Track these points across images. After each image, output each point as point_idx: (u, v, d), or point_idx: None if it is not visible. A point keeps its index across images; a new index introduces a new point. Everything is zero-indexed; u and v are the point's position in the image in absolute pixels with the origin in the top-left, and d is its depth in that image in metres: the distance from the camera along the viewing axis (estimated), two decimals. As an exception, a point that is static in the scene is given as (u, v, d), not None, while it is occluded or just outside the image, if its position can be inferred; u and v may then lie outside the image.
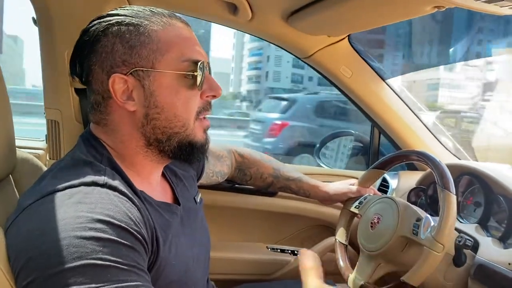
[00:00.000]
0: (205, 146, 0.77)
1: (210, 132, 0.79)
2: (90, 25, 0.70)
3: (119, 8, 0.72)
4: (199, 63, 0.70)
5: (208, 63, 0.75)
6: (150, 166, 0.75)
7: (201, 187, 1.14)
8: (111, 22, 0.68)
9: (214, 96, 0.76)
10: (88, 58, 0.69)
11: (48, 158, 1.35)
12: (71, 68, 0.73)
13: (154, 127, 0.70)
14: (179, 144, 0.73)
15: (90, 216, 0.57)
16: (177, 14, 0.74)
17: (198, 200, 0.91)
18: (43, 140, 1.42)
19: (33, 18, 1.18)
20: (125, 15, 0.69)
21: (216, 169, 1.13)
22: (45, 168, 1.01)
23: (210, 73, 0.77)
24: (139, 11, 0.71)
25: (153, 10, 0.72)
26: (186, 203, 0.84)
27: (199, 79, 0.70)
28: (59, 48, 1.18)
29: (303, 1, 1.15)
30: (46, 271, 0.54)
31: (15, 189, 0.93)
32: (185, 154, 0.74)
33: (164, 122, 0.70)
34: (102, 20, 0.69)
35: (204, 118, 0.76)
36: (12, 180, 0.93)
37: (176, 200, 0.82)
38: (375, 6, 1.02)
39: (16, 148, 0.93)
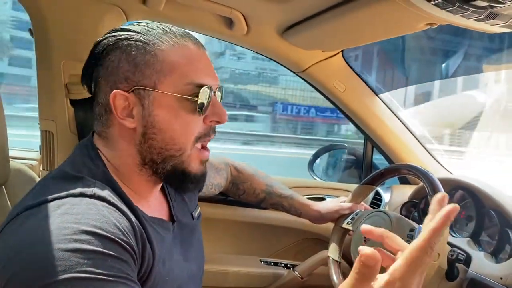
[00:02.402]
0: (200, 178, 0.75)
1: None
2: (103, 37, 0.70)
3: (135, 23, 0.72)
4: (203, 88, 0.69)
5: (221, 87, 0.75)
6: (145, 185, 0.74)
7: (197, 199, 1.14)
8: (121, 36, 0.68)
9: (218, 122, 0.74)
10: (97, 70, 0.69)
11: (41, 169, 1.34)
12: (82, 78, 0.73)
13: (150, 147, 0.69)
14: (172, 169, 0.71)
15: (76, 227, 0.56)
16: (191, 34, 0.73)
17: (196, 215, 0.89)
18: (37, 151, 1.41)
19: (29, 30, 1.19)
20: (137, 32, 0.69)
21: (215, 181, 1.12)
22: (38, 179, 1.01)
23: (221, 97, 0.76)
24: (151, 28, 0.70)
25: (166, 29, 0.70)
26: (182, 219, 0.83)
27: (200, 103, 0.69)
28: (55, 59, 1.18)
29: (298, 17, 1.17)
30: (32, 285, 0.53)
31: (8, 200, 0.93)
32: (178, 181, 0.73)
33: (160, 143, 0.69)
34: (114, 34, 0.69)
35: (204, 148, 0.74)
36: (5, 191, 0.93)
37: (171, 216, 0.82)
38: (368, 22, 1.04)
39: (10, 159, 0.92)
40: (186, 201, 0.88)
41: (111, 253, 0.57)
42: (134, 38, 0.68)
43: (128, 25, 0.72)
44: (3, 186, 0.93)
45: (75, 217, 0.58)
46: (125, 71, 0.67)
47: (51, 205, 0.60)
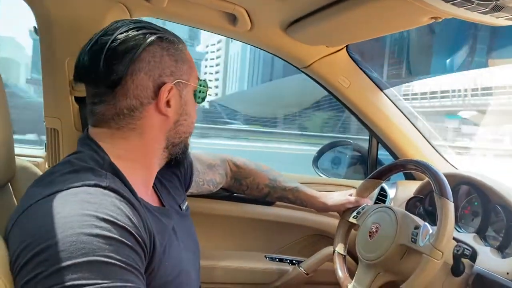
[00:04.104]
0: None
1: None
2: (131, 33, 0.72)
3: (143, 21, 0.77)
4: (204, 81, 0.85)
5: None
6: (155, 170, 0.82)
7: (195, 196, 1.15)
8: (156, 35, 0.74)
9: None
10: (130, 63, 0.71)
11: (47, 166, 1.35)
12: (96, 71, 0.71)
13: (177, 132, 0.80)
14: (184, 146, 0.84)
15: (96, 215, 0.59)
16: None
17: (184, 208, 0.93)
18: (43, 148, 1.42)
19: (34, 27, 1.19)
20: (163, 31, 0.76)
21: (207, 177, 1.13)
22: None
23: None
24: (167, 29, 0.79)
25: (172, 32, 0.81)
26: (173, 208, 0.87)
27: (206, 94, 0.85)
28: (60, 56, 1.19)
29: (302, 12, 1.17)
30: (53, 266, 0.54)
31: (14, 197, 0.93)
32: (183, 155, 0.85)
33: (185, 128, 0.81)
34: (145, 31, 0.73)
35: None
36: (11, 188, 0.93)
37: (162, 205, 0.85)
38: (373, 17, 1.04)
39: (15, 156, 0.93)
40: (172, 194, 0.91)
41: (128, 243, 0.60)
42: (166, 37, 0.76)
43: (144, 21, 0.76)
44: (9, 183, 0.93)
45: (93, 206, 0.60)
46: (169, 66, 0.75)
47: (68, 193, 0.62)
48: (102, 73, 0.71)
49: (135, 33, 0.72)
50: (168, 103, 0.75)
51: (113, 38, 0.71)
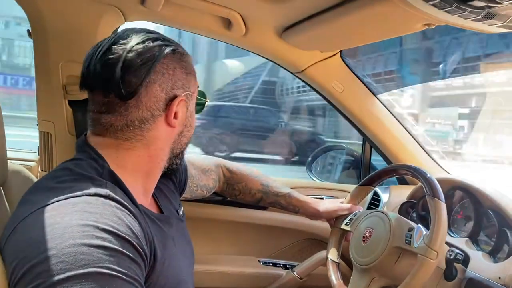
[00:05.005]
0: None
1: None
2: (149, 44, 0.71)
3: (153, 31, 0.76)
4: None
5: None
6: (156, 180, 0.81)
7: (189, 200, 1.14)
8: (171, 47, 0.74)
9: None
10: (146, 75, 0.70)
11: (40, 170, 1.34)
12: (110, 80, 0.69)
13: (180, 143, 0.80)
14: (182, 155, 0.84)
15: (96, 225, 0.58)
16: None
17: (181, 213, 0.92)
18: (35, 152, 1.41)
19: (28, 31, 1.18)
20: (175, 43, 0.76)
21: (201, 183, 1.13)
22: (36, 180, 1.00)
23: None
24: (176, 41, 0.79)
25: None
26: (171, 215, 0.85)
27: (205, 105, 0.88)
28: (53, 60, 1.18)
29: (296, 17, 1.18)
30: (53, 277, 0.53)
31: (6, 201, 0.92)
32: (180, 163, 0.86)
33: (187, 139, 0.82)
34: (156, 43, 0.72)
35: None
36: (3, 192, 0.92)
37: (161, 212, 0.84)
38: (367, 23, 1.05)
39: (8, 160, 0.92)
40: (170, 199, 0.90)
41: (129, 254, 0.59)
42: (178, 49, 0.76)
43: (155, 31, 0.76)
44: (1, 187, 0.92)
45: (93, 216, 0.59)
46: (181, 78, 0.76)
47: (68, 202, 0.61)
48: (117, 83, 0.68)
49: (152, 44, 0.71)
50: (175, 115, 0.75)
51: (129, 49, 0.69)
